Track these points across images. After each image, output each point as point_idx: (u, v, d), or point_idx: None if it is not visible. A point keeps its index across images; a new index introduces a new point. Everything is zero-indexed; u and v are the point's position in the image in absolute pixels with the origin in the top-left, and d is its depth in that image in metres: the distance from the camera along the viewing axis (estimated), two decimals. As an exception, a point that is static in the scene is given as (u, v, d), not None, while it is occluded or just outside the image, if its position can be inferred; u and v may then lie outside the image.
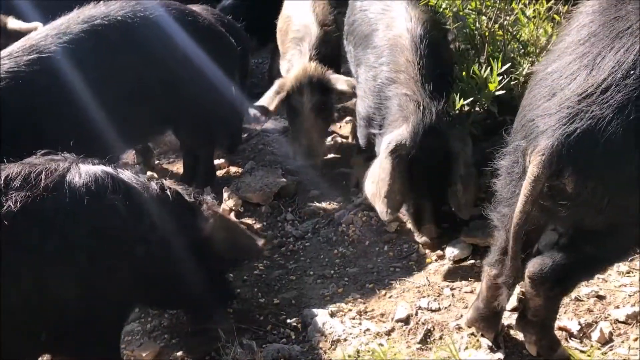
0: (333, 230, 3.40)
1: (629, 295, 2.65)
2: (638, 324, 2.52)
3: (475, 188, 3.15)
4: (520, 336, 2.50)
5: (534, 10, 3.38)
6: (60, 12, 3.21)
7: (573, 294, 2.65)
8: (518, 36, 3.46)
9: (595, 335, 2.49)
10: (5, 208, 1.96)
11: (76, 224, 2.08)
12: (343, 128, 4.45)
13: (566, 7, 3.40)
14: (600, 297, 2.67)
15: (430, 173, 3.01)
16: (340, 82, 3.73)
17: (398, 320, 2.71)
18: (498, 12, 3.41)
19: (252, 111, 3.88)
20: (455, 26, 3.51)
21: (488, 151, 3.49)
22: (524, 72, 3.32)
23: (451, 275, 2.98)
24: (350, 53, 3.76)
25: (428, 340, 2.59)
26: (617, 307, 2.61)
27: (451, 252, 3.08)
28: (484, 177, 3.36)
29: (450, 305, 2.78)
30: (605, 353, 2.41)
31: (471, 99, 3.15)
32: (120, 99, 3.06)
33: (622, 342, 2.46)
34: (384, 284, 2.99)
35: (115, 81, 3.05)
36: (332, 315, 2.79)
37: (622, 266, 2.80)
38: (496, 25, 3.43)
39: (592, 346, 2.45)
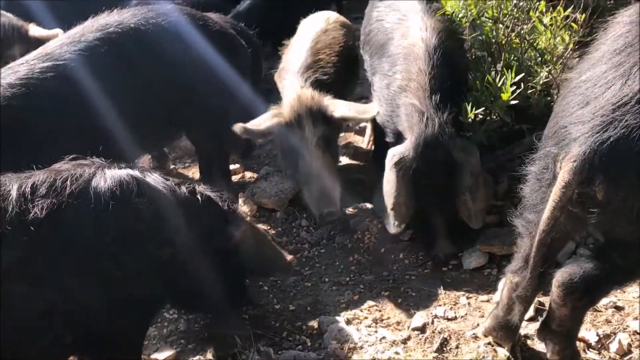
0: (348, 237, 3.41)
1: (648, 307, 2.65)
2: (657, 336, 2.51)
3: (486, 197, 3.14)
4: (537, 346, 2.50)
5: (551, 19, 3.37)
6: (75, 16, 3.25)
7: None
8: (535, 44, 3.46)
9: (613, 346, 2.48)
10: (31, 215, 1.98)
11: (101, 230, 2.09)
12: (357, 134, 4.46)
13: (583, 15, 3.40)
14: (619, 308, 2.66)
15: (435, 185, 3.00)
16: (341, 107, 3.24)
17: (414, 329, 2.71)
18: (515, 20, 3.41)
19: (237, 128, 3.29)
20: (473, 36, 3.51)
21: (503, 159, 3.53)
22: (540, 81, 3.32)
23: (467, 284, 2.98)
24: (367, 62, 3.77)
25: (444, 349, 2.59)
26: (636, 318, 2.60)
27: (467, 260, 3.08)
28: (500, 184, 3.39)
29: (466, 314, 2.78)
30: (624, 364, 2.40)
31: (483, 108, 3.16)
32: (135, 105, 3.07)
33: (641, 353, 2.45)
34: (400, 292, 2.99)
35: (128, 88, 3.06)
36: (348, 322, 2.79)
37: (640, 278, 2.79)
38: (513, 34, 3.43)
39: (610, 358, 2.44)
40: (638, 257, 2.08)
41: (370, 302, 2.93)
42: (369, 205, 3.61)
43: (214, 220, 2.47)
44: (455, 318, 2.76)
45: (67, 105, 2.91)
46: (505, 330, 2.46)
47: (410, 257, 3.21)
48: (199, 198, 2.39)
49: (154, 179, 2.29)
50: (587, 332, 2.54)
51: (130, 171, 2.22)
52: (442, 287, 2.97)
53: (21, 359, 2.13)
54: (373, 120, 3.60)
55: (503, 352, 2.48)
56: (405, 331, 2.71)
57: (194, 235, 2.33)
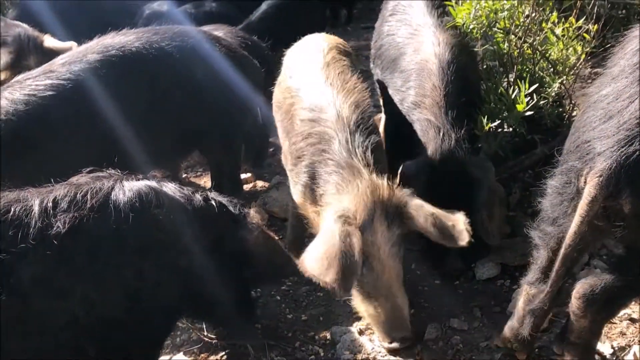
0: (360, 247, 3.40)
1: (662, 319, 2.63)
2: (672, 349, 2.50)
3: (501, 213, 3.13)
4: (550, 357, 2.49)
5: (564, 30, 3.38)
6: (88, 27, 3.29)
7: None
8: (547, 55, 3.47)
9: (628, 358, 2.47)
10: (54, 229, 2.00)
11: (122, 242, 2.11)
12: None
13: (595, 26, 3.41)
14: (634, 320, 2.65)
15: (450, 201, 2.99)
16: (422, 212, 2.44)
17: (427, 340, 2.70)
18: (527, 31, 3.42)
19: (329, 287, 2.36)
20: (484, 48, 3.52)
21: (515, 170, 3.53)
22: (553, 92, 3.33)
23: (480, 295, 2.98)
24: (378, 76, 3.76)
25: (457, 359, 2.59)
26: (651, 331, 2.59)
27: (480, 271, 3.07)
28: (512, 195, 3.39)
29: (480, 325, 2.78)
30: (639, 378, 2.39)
31: (498, 121, 3.16)
32: (147, 125, 3.08)
33: (656, 366, 2.43)
34: (412, 304, 2.97)
35: (139, 112, 3.06)
36: (361, 333, 2.79)
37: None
38: (525, 45, 3.44)
39: (625, 370, 2.43)
40: None
41: (382, 313, 2.92)
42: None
43: (228, 225, 2.48)
44: (468, 329, 2.75)
45: (75, 122, 2.92)
46: (520, 342, 2.45)
47: (422, 268, 3.20)
48: (214, 204, 2.41)
49: (171, 188, 2.31)
50: (602, 344, 2.53)
51: (147, 182, 2.25)
52: (455, 298, 2.96)
53: None
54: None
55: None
56: (418, 343, 2.71)
57: (210, 242, 2.35)
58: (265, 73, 4.01)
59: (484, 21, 3.40)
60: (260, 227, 2.59)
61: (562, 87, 3.47)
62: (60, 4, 4.68)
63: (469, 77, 3.34)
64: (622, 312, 2.65)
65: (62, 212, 2.05)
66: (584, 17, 3.48)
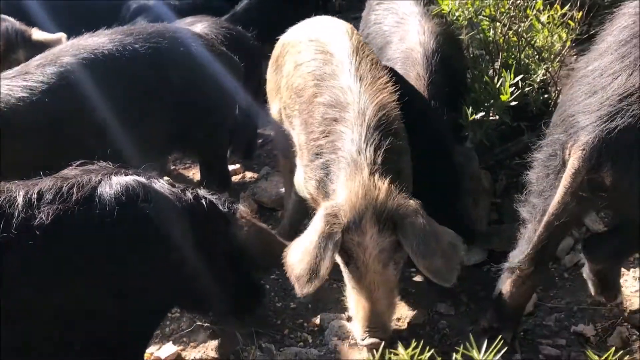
0: (348, 235, 3.42)
1: (646, 301, 2.67)
2: (655, 330, 2.54)
3: (487, 199, 3.15)
4: (535, 339, 2.52)
5: (549, 17, 3.40)
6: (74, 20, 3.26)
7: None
8: (533, 42, 3.48)
9: (611, 340, 2.50)
10: (37, 221, 1.99)
11: (107, 236, 2.10)
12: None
13: (580, 13, 3.43)
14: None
15: (434, 189, 3.00)
16: (414, 231, 2.27)
17: (414, 325, 2.73)
18: (512, 18, 3.43)
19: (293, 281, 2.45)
20: (470, 35, 3.53)
21: (501, 157, 3.56)
22: (538, 79, 3.35)
23: (467, 280, 2.99)
24: None
25: (444, 344, 2.61)
26: (634, 312, 2.62)
27: (467, 257, 3.09)
28: (499, 182, 3.41)
29: (466, 310, 2.81)
30: (622, 359, 2.42)
31: (483, 112, 3.18)
32: (129, 122, 3.06)
33: (639, 348, 2.47)
34: (400, 290, 3.00)
35: (123, 111, 3.03)
36: (349, 319, 2.81)
37: (639, 271, 2.81)
38: (510, 32, 3.46)
39: (608, 352, 2.46)
40: None
41: (370, 300, 2.94)
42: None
43: (218, 224, 2.49)
44: (455, 314, 2.78)
45: (58, 116, 2.90)
46: (507, 321, 2.48)
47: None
48: (203, 203, 2.41)
49: (161, 185, 2.30)
50: (586, 326, 2.57)
51: (136, 177, 2.23)
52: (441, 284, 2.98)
53: None
54: None
55: (504, 346, 2.49)
56: (405, 327, 2.73)
57: (200, 239, 2.35)
58: (251, 64, 4.00)
59: (470, 8, 3.41)
60: (251, 222, 2.60)
61: (548, 74, 3.49)
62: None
63: (454, 66, 3.34)
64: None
65: (47, 204, 2.03)
66: (569, 4, 3.50)
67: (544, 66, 3.40)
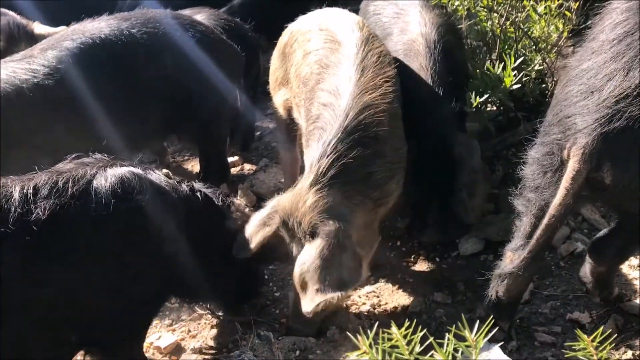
0: (346, 226, 3.44)
1: (641, 289, 2.69)
2: (650, 317, 2.56)
3: (483, 193, 3.16)
4: (530, 327, 2.54)
5: (545, 7, 3.41)
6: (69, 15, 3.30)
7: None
8: (529, 33, 3.49)
9: (606, 327, 2.52)
10: (33, 216, 2.00)
11: (103, 229, 2.11)
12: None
13: (577, 3, 3.44)
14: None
15: (433, 179, 3.01)
16: (315, 246, 2.27)
17: (411, 313, 2.75)
18: (509, 9, 3.44)
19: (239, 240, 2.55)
20: (468, 24, 3.54)
21: (498, 147, 3.57)
22: (535, 69, 3.36)
23: (464, 269, 3.02)
24: None
25: (440, 332, 2.64)
26: (629, 300, 2.64)
27: (464, 247, 3.11)
28: (496, 173, 3.43)
29: (463, 298, 2.83)
30: (617, 345, 2.44)
31: (486, 96, 3.18)
32: (123, 112, 3.13)
33: (633, 335, 2.49)
34: (397, 279, 3.03)
35: (118, 95, 3.11)
36: (347, 308, 2.84)
37: (634, 260, 2.83)
38: (508, 22, 3.47)
39: (603, 339, 2.48)
40: None
41: (368, 288, 2.97)
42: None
43: (213, 217, 2.50)
44: (452, 302, 2.80)
45: (54, 104, 2.97)
46: (503, 310, 2.49)
47: (407, 244, 3.25)
48: (199, 196, 2.42)
49: (157, 176, 2.31)
50: (581, 313, 2.59)
51: (132, 168, 2.24)
52: (438, 274, 3.01)
53: (25, 358, 2.15)
54: None
55: (500, 333, 2.52)
56: (402, 316, 2.76)
57: (196, 231, 2.37)
58: (250, 56, 4.01)
59: (469, -1, 3.42)
60: (246, 215, 2.62)
61: (545, 65, 3.50)
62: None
63: (456, 56, 3.34)
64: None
65: (43, 199, 2.03)
66: (566, -6, 3.50)
67: (541, 56, 3.40)
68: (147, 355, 2.70)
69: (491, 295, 2.41)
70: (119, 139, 3.02)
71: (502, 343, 2.37)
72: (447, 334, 1.20)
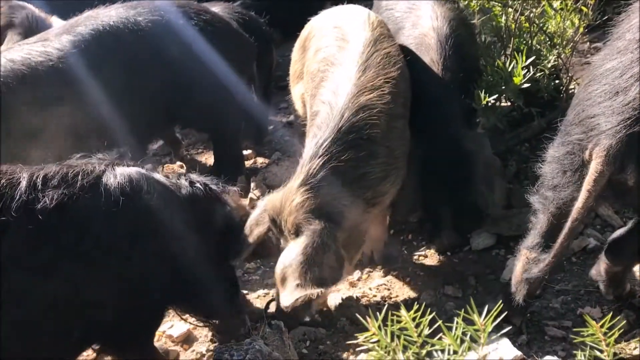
0: (358, 219, 3.45)
1: (654, 285, 2.67)
2: (662, 313, 2.54)
3: (501, 185, 3.16)
4: (541, 321, 2.54)
5: (562, 2, 3.39)
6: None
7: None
8: (545, 28, 3.47)
9: (617, 323, 2.50)
10: (40, 204, 2.00)
11: (111, 224, 2.12)
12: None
13: (594, -1, 3.41)
14: (624, 287, 2.69)
15: (448, 175, 2.99)
16: (298, 245, 2.32)
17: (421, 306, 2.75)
18: (524, 4, 3.42)
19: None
20: (481, 19, 3.53)
21: (512, 143, 3.56)
22: (549, 64, 3.34)
23: (475, 264, 3.02)
24: None
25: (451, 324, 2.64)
26: (641, 296, 2.63)
27: (476, 241, 3.11)
28: (509, 168, 3.42)
29: (474, 292, 2.83)
30: (628, 341, 2.43)
31: (496, 95, 3.18)
32: (129, 98, 3.20)
33: (646, 330, 2.48)
34: (408, 272, 3.04)
35: (125, 81, 3.19)
36: (358, 300, 2.85)
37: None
38: (522, 17, 3.45)
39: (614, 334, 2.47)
40: None
41: (379, 281, 2.98)
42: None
43: (215, 205, 2.50)
44: (462, 296, 2.80)
45: (59, 91, 3.06)
46: (516, 306, 2.49)
47: (418, 238, 3.25)
48: (199, 186, 2.43)
49: (160, 176, 2.34)
50: (592, 308, 2.58)
51: (138, 169, 2.28)
52: (450, 267, 3.01)
53: (27, 352, 2.14)
54: None
55: (510, 327, 2.51)
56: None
57: (201, 226, 2.38)
58: (263, 50, 4.03)
59: (482, -7, 3.41)
60: (242, 205, 2.65)
61: (559, 60, 3.48)
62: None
63: (468, 51, 3.33)
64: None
65: (52, 189, 2.04)
66: (583, -11, 3.48)
67: (555, 52, 3.38)
68: (158, 344, 2.73)
69: (518, 299, 2.40)
70: (124, 124, 3.11)
71: (509, 329, 2.36)
72: (456, 318, 1.21)
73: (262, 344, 2.36)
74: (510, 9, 3.47)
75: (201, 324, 2.77)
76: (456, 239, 3.09)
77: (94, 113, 3.09)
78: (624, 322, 2.48)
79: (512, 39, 3.48)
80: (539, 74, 3.28)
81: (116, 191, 2.12)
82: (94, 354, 2.50)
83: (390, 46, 2.80)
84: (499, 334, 1.49)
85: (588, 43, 4.08)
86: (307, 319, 2.72)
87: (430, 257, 3.12)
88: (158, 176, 2.34)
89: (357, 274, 3.07)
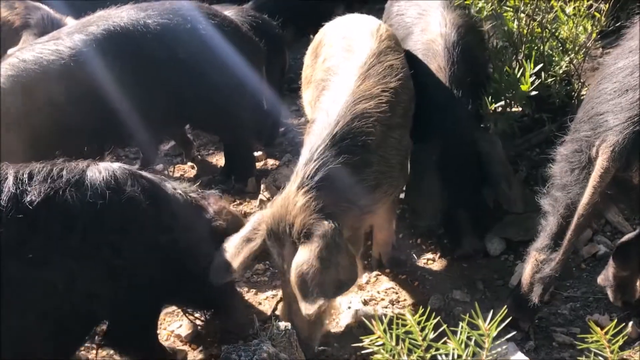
0: (367, 222, 3.46)
1: (663, 293, 2.66)
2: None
3: (519, 182, 3.15)
4: (549, 327, 2.53)
5: (574, 8, 3.38)
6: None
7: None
8: (557, 34, 3.46)
9: (625, 330, 2.49)
10: (28, 197, 2.04)
11: (98, 218, 2.14)
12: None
13: (607, 5, 3.40)
14: (633, 294, 2.68)
15: (461, 181, 3.00)
16: (315, 245, 2.24)
17: (429, 310, 2.75)
18: (537, 9, 3.42)
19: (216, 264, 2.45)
20: (493, 24, 3.52)
21: (522, 148, 3.55)
22: (560, 70, 3.33)
23: (484, 268, 3.02)
24: None
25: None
26: (651, 304, 2.62)
27: (492, 247, 3.09)
28: (519, 173, 3.41)
29: (482, 297, 2.82)
30: (635, 348, 2.42)
31: (503, 102, 3.18)
32: (139, 98, 3.25)
33: (654, 338, 2.47)
34: (417, 276, 3.04)
35: (134, 81, 3.24)
36: (365, 303, 2.86)
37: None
38: (535, 23, 3.44)
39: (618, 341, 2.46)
40: None
41: (387, 285, 2.99)
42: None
43: (198, 210, 2.53)
44: (470, 301, 2.80)
45: (72, 89, 3.15)
46: (524, 310, 2.48)
47: (427, 242, 3.25)
48: (180, 192, 2.47)
49: (144, 172, 2.37)
50: (601, 316, 2.57)
51: (121, 164, 2.32)
52: (458, 272, 3.01)
53: (24, 345, 2.17)
54: None
55: (517, 332, 2.51)
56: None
57: (188, 224, 2.41)
58: (275, 52, 4.05)
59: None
60: (227, 209, 2.65)
61: (571, 66, 3.47)
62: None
63: (476, 57, 3.34)
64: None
65: (38, 183, 2.08)
66: (596, -5, 3.47)
67: (567, 58, 3.38)
68: (167, 343, 2.76)
69: (533, 299, 2.38)
70: (133, 124, 3.20)
71: (514, 334, 2.36)
72: (461, 323, 1.22)
73: (269, 345, 2.37)
74: (522, 14, 3.47)
75: (204, 322, 2.79)
76: (478, 245, 3.05)
77: (104, 112, 3.15)
78: (630, 329, 2.49)
79: (524, 44, 3.47)
80: (550, 80, 3.28)
81: (102, 184, 2.16)
82: (95, 350, 2.53)
83: (395, 58, 2.79)
84: (504, 339, 1.49)
85: (601, 49, 4.06)
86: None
87: (438, 261, 3.13)
88: (141, 172, 2.37)
89: (365, 277, 3.07)
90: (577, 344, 2.24)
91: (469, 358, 1.18)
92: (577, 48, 3.48)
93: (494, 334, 1.19)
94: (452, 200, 3.01)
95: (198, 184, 2.78)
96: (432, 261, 3.13)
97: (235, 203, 3.72)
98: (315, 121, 2.57)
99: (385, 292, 2.94)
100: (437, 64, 3.16)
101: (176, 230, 2.35)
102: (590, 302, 2.70)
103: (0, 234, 2.00)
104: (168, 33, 3.32)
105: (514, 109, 3.47)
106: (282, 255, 2.35)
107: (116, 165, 2.29)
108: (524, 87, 3.08)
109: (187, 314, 2.80)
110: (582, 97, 3.51)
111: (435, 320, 1.22)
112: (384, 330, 1.19)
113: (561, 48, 3.47)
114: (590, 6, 3.40)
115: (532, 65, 3.08)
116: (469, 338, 1.20)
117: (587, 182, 2.13)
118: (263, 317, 2.83)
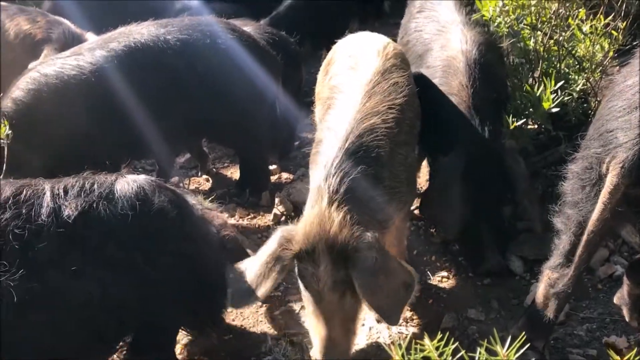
0: (381, 238, 3.46)
1: (682, 316, 2.62)
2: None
3: (540, 200, 3.14)
4: (565, 348, 2.51)
5: (591, 26, 3.38)
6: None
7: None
8: (574, 52, 3.46)
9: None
10: (65, 213, 2.12)
11: (130, 227, 2.20)
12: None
13: (625, 23, 3.40)
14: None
15: (487, 195, 2.99)
16: (365, 258, 2.21)
17: (444, 329, 2.74)
18: (554, 27, 3.42)
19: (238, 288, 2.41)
20: (510, 42, 3.53)
21: (538, 166, 3.54)
22: (577, 88, 3.33)
23: (498, 287, 3.00)
24: None
25: (473, 350, 2.62)
26: (669, 326, 2.59)
27: (514, 265, 3.08)
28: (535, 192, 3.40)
29: (497, 316, 2.81)
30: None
31: (524, 119, 3.18)
32: (159, 111, 3.29)
33: (673, 362, 2.43)
34: (431, 293, 3.02)
35: (154, 96, 3.29)
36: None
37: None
38: (551, 41, 3.45)
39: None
40: None
41: (401, 302, 2.97)
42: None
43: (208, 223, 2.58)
44: (485, 320, 2.78)
45: (91, 105, 3.20)
46: (539, 329, 2.47)
47: (441, 259, 3.24)
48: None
49: (167, 184, 2.44)
50: (618, 337, 2.54)
51: (146, 176, 2.39)
52: (472, 290, 2.99)
53: (61, 354, 2.19)
54: None
55: (532, 353, 2.49)
56: (435, 331, 2.74)
57: (205, 235, 2.45)
58: (292, 68, 4.08)
59: (511, 16, 3.42)
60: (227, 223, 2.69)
61: (588, 84, 3.46)
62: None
63: (497, 75, 3.34)
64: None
65: (73, 198, 2.17)
66: (613, 14, 3.46)
67: (585, 76, 3.37)
68: (180, 357, 2.76)
69: (549, 315, 2.38)
70: (151, 136, 3.24)
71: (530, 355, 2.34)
72: (478, 348, 1.21)
73: (283, 362, 2.38)
74: (539, 32, 3.48)
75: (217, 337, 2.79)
76: (501, 262, 3.01)
77: (124, 126, 3.19)
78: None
79: (541, 62, 3.47)
80: (567, 98, 3.27)
81: (131, 196, 2.23)
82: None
83: (400, 76, 2.77)
84: (520, 362, 1.48)
85: (618, 67, 4.04)
86: None
87: (452, 279, 3.11)
88: (164, 184, 2.43)
89: (379, 293, 3.06)
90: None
91: (487, 384, 1.18)
92: (593, 66, 3.48)
93: (513, 359, 1.18)
94: (476, 214, 2.99)
95: (213, 196, 2.81)
96: (446, 279, 3.12)
97: (249, 216, 3.74)
98: (322, 140, 2.56)
99: (399, 310, 2.93)
100: (459, 80, 3.17)
101: (198, 241, 2.41)
102: (606, 323, 2.67)
103: (43, 248, 2.05)
104: (187, 48, 3.37)
105: (529, 126, 3.47)
106: (317, 275, 2.24)
107: (142, 177, 2.35)
108: (545, 105, 3.08)
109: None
110: (598, 116, 3.52)
111: (454, 346, 1.22)
112: (402, 356, 1.19)
113: (578, 66, 3.46)
114: (607, 24, 3.40)
115: (552, 82, 3.08)
116: (487, 364, 1.20)
117: (598, 199, 2.14)
118: (275, 334, 2.83)
